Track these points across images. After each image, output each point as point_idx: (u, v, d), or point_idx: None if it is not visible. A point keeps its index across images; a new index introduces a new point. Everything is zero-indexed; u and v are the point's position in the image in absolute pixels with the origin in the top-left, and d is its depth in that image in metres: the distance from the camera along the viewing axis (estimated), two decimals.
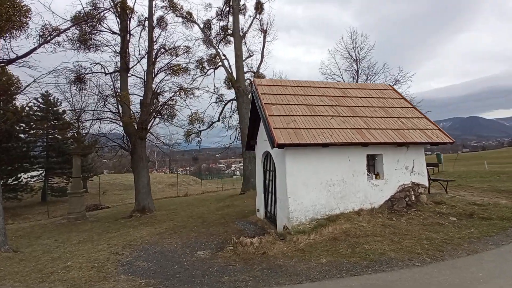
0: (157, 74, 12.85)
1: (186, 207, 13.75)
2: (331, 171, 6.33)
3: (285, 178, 6.05)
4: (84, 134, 14.13)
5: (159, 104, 12.71)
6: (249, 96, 17.31)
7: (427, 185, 7.24)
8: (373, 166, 7.01)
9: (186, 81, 17.25)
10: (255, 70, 18.81)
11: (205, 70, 18.42)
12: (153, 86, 12.92)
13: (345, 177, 6.43)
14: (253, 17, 18.47)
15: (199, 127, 17.62)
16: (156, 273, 4.89)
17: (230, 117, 19.39)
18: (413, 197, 7.03)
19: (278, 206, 6.58)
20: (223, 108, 18.55)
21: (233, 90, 17.52)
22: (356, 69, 24.35)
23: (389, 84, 8.88)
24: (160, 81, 13.28)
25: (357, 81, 24.03)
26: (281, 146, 5.52)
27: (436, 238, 4.78)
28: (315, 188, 6.17)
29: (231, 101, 18.48)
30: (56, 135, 19.69)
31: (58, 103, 20.05)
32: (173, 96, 12.36)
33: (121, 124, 12.02)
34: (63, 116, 19.70)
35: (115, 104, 11.98)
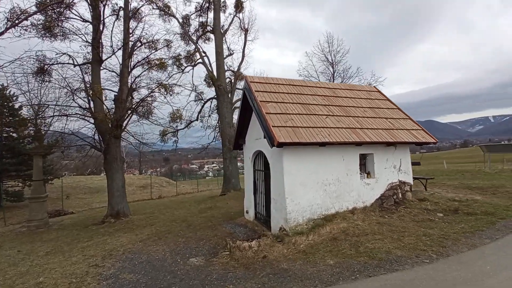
0: (133, 68, 11.96)
1: (164, 210, 12.97)
2: (327, 171, 6.29)
3: (282, 177, 5.86)
4: (44, 131, 12.63)
5: (136, 100, 11.83)
6: (231, 95, 16.94)
7: (412, 183, 7.54)
8: (364, 166, 7.12)
9: (162, 78, 16.42)
10: (234, 69, 18.47)
11: (183, 67, 17.65)
12: (129, 81, 12.00)
13: (340, 176, 6.43)
14: (234, 15, 18.14)
15: (176, 126, 16.82)
16: (147, 286, 4.39)
17: (209, 116, 18.82)
18: (400, 195, 7.27)
19: (273, 207, 6.37)
20: (202, 106, 17.94)
21: (212, 89, 17.02)
22: (332, 72, 25.15)
23: (374, 86, 9.15)
24: (137, 77, 12.40)
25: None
26: (281, 145, 5.33)
27: (433, 234, 4.93)
28: (312, 188, 6.07)
29: (211, 100, 17.93)
30: (12, 133, 17.48)
31: (15, 98, 17.85)
32: (152, 92, 11.57)
33: (92, 121, 10.95)
34: (20, 112, 17.55)
35: (85, 99, 10.88)
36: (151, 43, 12.45)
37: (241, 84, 17.95)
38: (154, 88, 11.78)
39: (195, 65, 17.93)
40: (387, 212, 6.66)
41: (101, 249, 6.55)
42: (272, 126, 5.52)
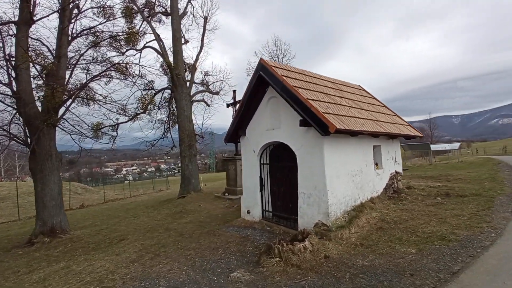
0: (78, 36, 9.14)
1: (110, 220, 10.42)
2: (353, 162, 6.19)
3: (323, 169, 5.39)
4: None
5: (82, 80, 9.08)
6: (188, 87, 15.16)
7: (402, 173, 8.31)
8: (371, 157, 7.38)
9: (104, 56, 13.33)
10: (189, 61, 16.68)
11: (124, 49, 14.75)
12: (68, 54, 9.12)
13: (362, 167, 6.44)
14: (188, 1, 16.40)
15: (117, 120, 13.81)
16: None
17: (159, 109, 16.38)
18: (396, 184, 7.88)
19: (303, 202, 5.80)
20: (153, 97, 15.42)
21: (163, 78, 14.85)
22: None
23: (358, 85, 9.73)
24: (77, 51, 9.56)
25: None
26: (338, 132, 4.84)
27: (461, 214, 5.44)
28: (344, 179, 5.83)
29: (162, 91, 15.63)
30: None
31: None
32: (106, 70, 9.09)
33: (15, 101, 7.75)
34: None
35: (3, 69, 7.57)
36: (101, 8, 9.83)
37: (198, 77, 16.41)
38: (108, 66, 9.29)
39: (142, 49, 15.28)
40: (395, 199, 7.07)
41: (76, 280, 4.51)
42: (323, 113, 4.98)
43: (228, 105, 13.22)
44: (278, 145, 6.66)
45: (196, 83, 16.21)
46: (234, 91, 13.09)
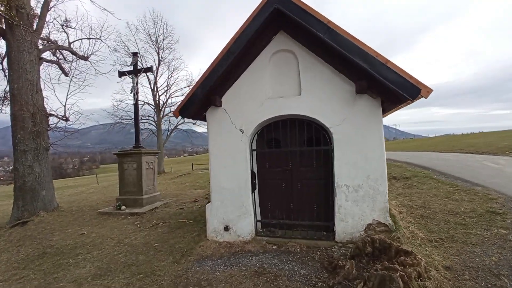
0: None
1: None
2: None
3: (381, 150, 4.01)
4: None
5: None
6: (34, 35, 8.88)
7: None
8: None
9: None
10: None
11: None
12: None
13: None
14: None
15: None
16: None
17: None
18: None
19: (347, 199, 4.12)
20: None
21: None
22: (159, 59, 21.96)
23: None
24: None
25: (157, 72, 21.67)
26: (424, 96, 3.58)
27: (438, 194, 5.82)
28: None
29: None
30: None
31: None
32: None
33: None
34: None
35: None
36: None
37: (53, 15, 10.15)
38: None
39: None
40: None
41: None
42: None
43: (122, 74, 8.85)
44: (276, 122, 4.60)
45: (45, 41, 9.82)
46: (135, 54, 8.91)
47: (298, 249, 4.19)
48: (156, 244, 4.90)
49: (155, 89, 21.90)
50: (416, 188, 6.74)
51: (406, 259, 3.05)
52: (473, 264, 3.25)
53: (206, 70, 4.42)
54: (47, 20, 9.40)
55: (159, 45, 21.72)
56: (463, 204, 5.10)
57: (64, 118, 8.98)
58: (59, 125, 9.26)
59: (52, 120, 9.03)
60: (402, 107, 4.27)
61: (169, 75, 22.58)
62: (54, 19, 10.10)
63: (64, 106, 9.09)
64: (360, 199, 4.10)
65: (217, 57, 4.35)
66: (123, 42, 20.40)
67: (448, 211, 4.85)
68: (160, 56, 21.89)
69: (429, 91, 3.48)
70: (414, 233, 3.96)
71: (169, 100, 22.66)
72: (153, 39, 21.54)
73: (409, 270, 2.86)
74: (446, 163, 10.79)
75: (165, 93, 22.54)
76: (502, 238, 3.74)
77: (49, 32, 9.98)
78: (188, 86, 22.18)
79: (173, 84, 23.57)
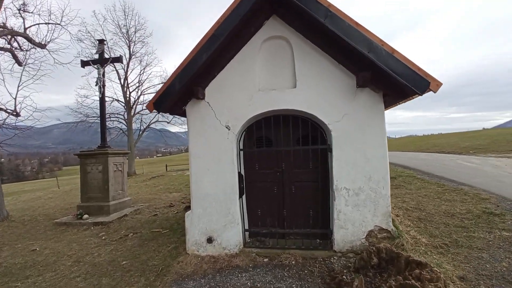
0: None
1: None
2: None
3: (383, 149, 3.66)
4: None
5: None
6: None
7: None
8: None
9: None
10: None
11: None
12: None
13: None
14: None
15: None
16: None
17: None
18: None
19: (346, 203, 3.72)
20: None
21: None
22: (130, 53, 20.48)
23: None
24: None
25: (128, 66, 20.25)
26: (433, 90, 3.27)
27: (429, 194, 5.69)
28: None
29: None
30: None
31: None
32: None
33: None
34: None
35: None
36: None
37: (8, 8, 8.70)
38: None
39: None
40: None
41: None
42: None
43: (86, 63, 7.82)
44: (267, 118, 4.10)
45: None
46: (102, 41, 7.89)
47: (293, 262, 3.70)
48: (124, 262, 4.14)
49: (126, 85, 20.37)
50: (405, 188, 6.64)
51: (422, 272, 2.69)
52: (485, 271, 2.99)
53: (187, 57, 3.77)
54: (4, 5, 8.12)
55: (130, 38, 20.24)
56: (456, 205, 4.99)
57: (14, 113, 7.71)
58: (8, 121, 7.99)
59: (1, 116, 7.75)
60: (403, 102, 3.98)
61: (141, 71, 21.16)
62: (11, 2, 8.73)
63: (15, 99, 7.83)
64: (361, 203, 3.72)
65: (200, 41, 3.72)
66: (88, 32, 18.67)
67: (444, 213, 4.68)
68: (131, 49, 20.41)
69: (438, 84, 3.17)
70: (417, 239, 3.66)
71: (141, 97, 21.22)
72: (124, 30, 20.03)
73: (430, 286, 2.49)
74: (424, 162, 11.05)
75: (136, 90, 21.08)
76: (507, 241, 3.56)
77: (6, 17, 8.63)
78: (162, 82, 20.92)
79: (145, 80, 22.18)
